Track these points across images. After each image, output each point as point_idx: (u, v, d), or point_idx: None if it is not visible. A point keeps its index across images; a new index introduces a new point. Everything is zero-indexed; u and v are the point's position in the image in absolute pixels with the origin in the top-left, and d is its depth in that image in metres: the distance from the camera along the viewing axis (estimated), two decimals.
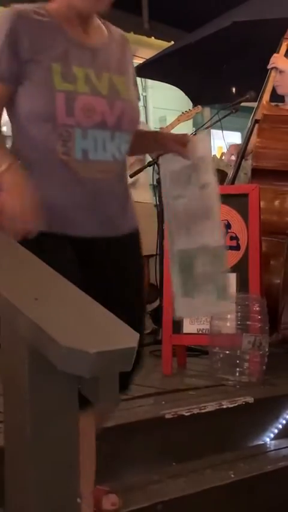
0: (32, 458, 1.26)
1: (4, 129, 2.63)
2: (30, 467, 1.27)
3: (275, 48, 3.90)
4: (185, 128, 7.11)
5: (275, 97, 3.89)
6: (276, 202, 3.46)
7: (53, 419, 1.25)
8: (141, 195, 4.83)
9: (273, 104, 3.86)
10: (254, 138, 3.68)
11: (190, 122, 7.58)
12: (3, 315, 1.34)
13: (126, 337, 1.17)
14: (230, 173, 4.37)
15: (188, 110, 4.90)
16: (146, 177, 4.82)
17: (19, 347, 1.25)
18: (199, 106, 5.11)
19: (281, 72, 3.79)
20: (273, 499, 2.25)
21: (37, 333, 1.16)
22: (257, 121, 3.72)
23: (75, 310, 1.29)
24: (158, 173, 4.19)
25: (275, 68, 3.80)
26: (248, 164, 3.86)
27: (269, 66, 3.85)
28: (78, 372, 1.13)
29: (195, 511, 2.08)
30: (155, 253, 4.73)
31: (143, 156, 4.75)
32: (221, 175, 5.96)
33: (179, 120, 4.85)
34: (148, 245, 4.61)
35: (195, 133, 4.66)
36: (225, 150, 7.99)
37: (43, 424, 1.25)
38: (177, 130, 4.85)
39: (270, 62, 3.85)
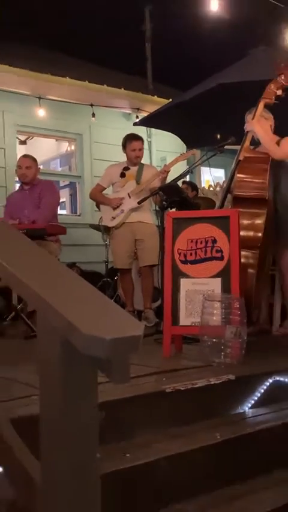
0: (62, 422, 1.27)
1: None
2: (61, 429, 1.27)
3: (253, 103, 3.90)
4: (181, 165, 7.15)
5: (253, 141, 3.90)
6: (251, 223, 3.47)
7: (77, 390, 1.26)
8: (145, 216, 4.83)
9: (251, 147, 3.87)
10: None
11: (184, 161, 7.62)
12: (39, 311, 1.35)
13: (134, 327, 1.18)
14: (218, 203, 4.38)
15: (184, 153, 4.92)
16: (149, 202, 4.82)
17: (51, 335, 1.27)
18: (194, 150, 5.12)
19: (257, 136, 3.80)
20: (251, 455, 2.24)
21: (65, 324, 1.17)
22: (239, 161, 3.73)
23: (94, 307, 1.30)
24: (160, 200, 4.21)
25: (251, 131, 3.82)
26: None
27: (246, 130, 3.85)
28: (97, 353, 1.13)
29: (190, 464, 2.07)
30: (157, 263, 4.73)
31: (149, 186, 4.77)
32: (208, 202, 5.99)
33: (177, 160, 4.85)
34: (152, 257, 4.63)
35: (190, 171, 4.69)
36: (212, 183, 8.05)
37: (70, 394, 1.26)
38: (174, 167, 4.87)
39: (247, 127, 3.85)
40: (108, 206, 4.85)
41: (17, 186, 5.26)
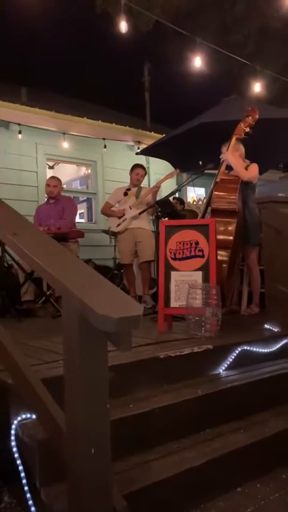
0: (81, 380, 1.27)
1: None
2: (80, 386, 1.28)
3: (227, 138, 3.89)
4: (171, 185, 7.14)
5: (227, 166, 3.88)
6: (225, 229, 3.46)
7: (92, 356, 1.26)
8: (143, 224, 4.86)
9: (226, 171, 3.85)
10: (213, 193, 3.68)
11: (174, 180, 7.60)
12: (63, 296, 1.35)
13: (136, 309, 1.18)
14: (200, 214, 4.37)
15: (169, 173, 4.92)
16: (147, 213, 4.84)
17: (73, 315, 1.27)
18: (177, 169, 5.10)
19: (231, 164, 3.79)
20: (225, 406, 2.23)
21: (83, 306, 1.17)
22: (216, 182, 3.72)
23: (105, 293, 1.30)
24: (156, 212, 4.20)
25: (225, 160, 3.80)
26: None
27: (221, 158, 3.84)
28: (107, 329, 1.13)
29: (179, 412, 2.06)
30: (153, 259, 4.76)
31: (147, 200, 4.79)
32: (192, 213, 5.98)
33: (165, 178, 4.87)
34: (149, 255, 4.68)
35: (178, 189, 4.68)
36: (196, 199, 8.04)
37: (86, 359, 1.26)
38: (165, 185, 4.85)
39: (223, 156, 3.83)
40: (115, 217, 4.90)
41: (45, 199, 5.22)
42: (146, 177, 6.77)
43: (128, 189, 4.97)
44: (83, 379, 1.25)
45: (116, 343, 1.17)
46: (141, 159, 7.15)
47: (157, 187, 4.82)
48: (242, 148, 3.99)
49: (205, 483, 1.82)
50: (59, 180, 5.00)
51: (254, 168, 3.83)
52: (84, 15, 8.85)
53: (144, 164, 7.30)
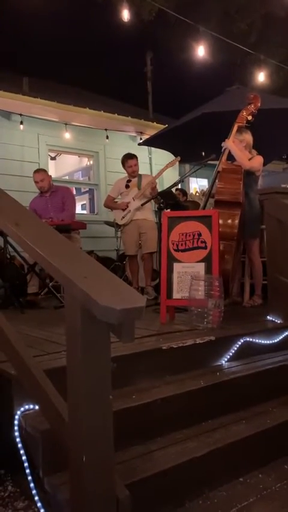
0: (83, 371, 1.26)
1: None
2: (82, 376, 1.27)
3: (229, 128, 3.84)
4: (174, 175, 7.10)
5: (230, 156, 3.84)
6: (228, 221, 3.44)
7: (94, 346, 1.25)
8: (147, 215, 4.86)
9: (229, 161, 3.82)
10: (216, 183, 3.65)
11: (177, 172, 7.56)
12: (66, 287, 1.34)
13: (138, 300, 1.17)
14: (202, 204, 4.35)
15: (168, 163, 4.89)
16: (151, 204, 4.83)
17: (75, 305, 1.26)
18: (178, 157, 5.05)
19: (232, 152, 3.75)
20: (226, 397, 2.24)
21: (86, 297, 1.17)
22: (218, 172, 3.69)
23: (107, 284, 1.29)
24: (159, 203, 4.19)
25: (227, 148, 3.76)
26: (212, 201, 3.80)
27: (223, 147, 3.80)
28: (110, 320, 1.13)
29: (181, 404, 2.07)
30: (156, 251, 4.74)
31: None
32: (195, 204, 5.96)
33: (164, 169, 4.86)
34: (153, 246, 4.68)
35: (181, 180, 4.67)
36: (198, 190, 8.00)
37: (89, 350, 1.25)
38: (168, 176, 4.83)
39: (224, 144, 3.77)
40: (119, 209, 4.88)
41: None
42: (148, 168, 6.75)
43: (129, 181, 4.95)
44: (85, 369, 1.25)
45: (118, 334, 1.17)
46: (144, 150, 7.11)
47: (154, 183, 4.84)
48: (249, 137, 3.89)
49: (207, 473, 1.83)
50: (44, 171, 4.81)
51: (258, 159, 3.80)
52: (86, 4, 8.76)
53: (147, 155, 7.30)
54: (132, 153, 5.10)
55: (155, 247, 4.62)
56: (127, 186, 4.93)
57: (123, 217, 4.84)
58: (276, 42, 9.02)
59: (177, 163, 5.25)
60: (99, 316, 1.14)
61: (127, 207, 4.83)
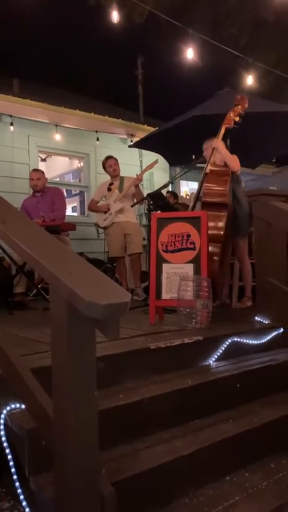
0: (68, 368, 1.26)
1: None
2: (67, 374, 1.27)
3: (218, 131, 3.88)
4: (164, 178, 7.11)
5: None
6: (216, 223, 3.46)
7: (79, 343, 1.25)
8: (131, 217, 4.91)
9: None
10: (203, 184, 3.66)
11: (167, 174, 7.57)
12: (51, 284, 1.34)
13: (123, 295, 1.17)
14: (190, 206, 4.36)
15: (148, 165, 4.92)
16: (134, 208, 4.88)
17: (61, 301, 1.26)
18: (157, 160, 5.07)
19: (219, 152, 3.78)
20: (215, 396, 2.24)
21: (71, 293, 1.17)
22: (206, 174, 3.71)
23: (92, 280, 1.30)
24: (148, 204, 4.20)
25: (216, 148, 3.79)
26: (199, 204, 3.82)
27: (212, 146, 3.82)
28: (94, 315, 1.13)
29: (168, 403, 2.07)
30: (141, 251, 4.87)
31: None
32: (185, 207, 5.98)
33: (145, 170, 4.92)
34: (138, 247, 4.74)
35: (170, 182, 4.69)
36: (189, 193, 8.02)
37: (74, 346, 1.25)
38: (157, 179, 4.83)
39: (213, 144, 3.81)
40: (101, 212, 4.91)
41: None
42: (139, 169, 6.75)
43: (111, 184, 5.00)
44: (70, 365, 1.25)
45: (103, 330, 1.17)
46: (134, 152, 7.13)
47: (138, 179, 4.86)
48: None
49: (194, 472, 1.83)
50: (42, 172, 4.93)
51: (236, 158, 3.82)
52: (77, 7, 8.77)
53: (137, 157, 7.31)
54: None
55: (140, 248, 4.73)
56: (109, 189, 4.98)
57: (105, 220, 4.89)
58: (265, 46, 9.10)
59: (168, 165, 5.28)
60: (84, 312, 1.14)
61: (109, 209, 4.85)
